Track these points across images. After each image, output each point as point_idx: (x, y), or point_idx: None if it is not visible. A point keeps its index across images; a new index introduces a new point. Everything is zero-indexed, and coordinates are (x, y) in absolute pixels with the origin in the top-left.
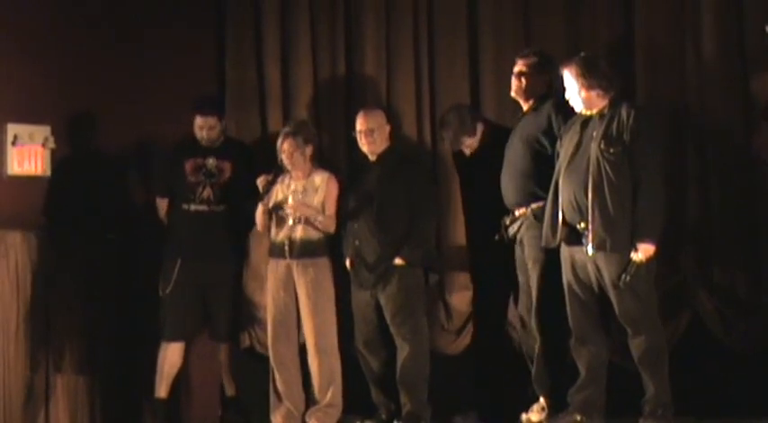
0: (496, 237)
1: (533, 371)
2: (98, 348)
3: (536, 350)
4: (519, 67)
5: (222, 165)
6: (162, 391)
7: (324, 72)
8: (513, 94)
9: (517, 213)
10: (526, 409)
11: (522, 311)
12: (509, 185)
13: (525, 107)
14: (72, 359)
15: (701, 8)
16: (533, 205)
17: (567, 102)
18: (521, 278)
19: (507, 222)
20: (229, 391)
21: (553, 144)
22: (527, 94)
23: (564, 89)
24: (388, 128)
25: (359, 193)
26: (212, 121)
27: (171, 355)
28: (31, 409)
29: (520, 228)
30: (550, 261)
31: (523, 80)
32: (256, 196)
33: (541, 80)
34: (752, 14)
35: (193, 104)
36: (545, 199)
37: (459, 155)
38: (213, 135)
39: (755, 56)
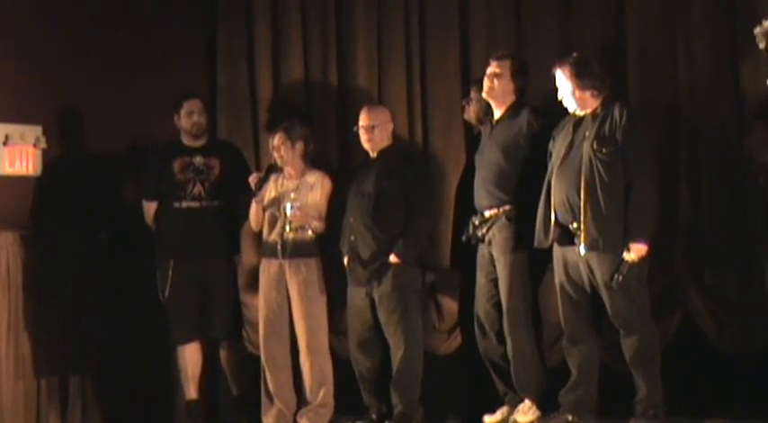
0: (464, 237)
1: (513, 375)
2: (90, 349)
3: (510, 352)
4: (493, 68)
5: (210, 162)
6: (192, 392)
7: (315, 73)
8: (485, 94)
9: (487, 214)
10: (491, 412)
11: (480, 313)
12: (482, 190)
13: (498, 112)
14: (63, 360)
15: (692, 8)
16: (506, 207)
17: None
18: (481, 279)
19: (476, 223)
20: (234, 390)
21: (532, 148)
22: (500, 96)
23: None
24: (390, 126)
25: (357, 188)
26: (199, 104)
27: (190, 356)
28: (23, 410)
29: (490, 228)
30: (525, 262)
31: (496, 82)
32: (249, 193)
33: (514, 83)
34: (743, 15)
35: (175, 101)
36: (518, 202)
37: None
38: (203, 120)
39: (747, 56)
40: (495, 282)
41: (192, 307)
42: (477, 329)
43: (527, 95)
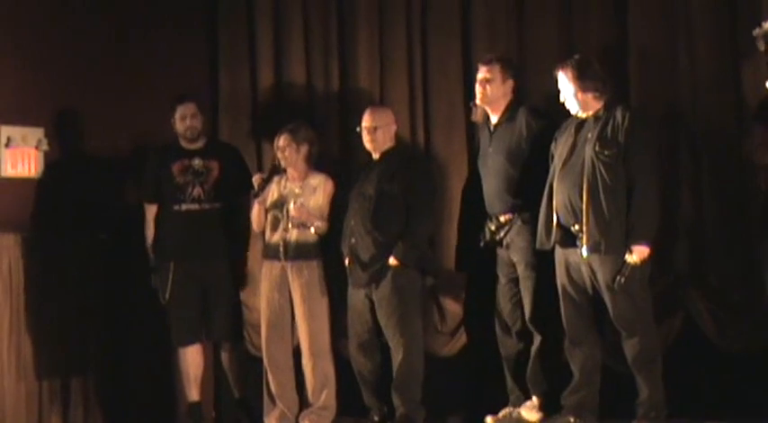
0: (481, 243)
1: (528, 370)
2: (91, 350)
3: (532, 351)
4: (483, 73)
5: (209, 164)
6: (194, 394)
7: (317, 75)
8: (478, 101)
9: (502, 219)
10: (494, 413)
11: (504, 312)
12: (494, 196)
13: (495, 117)
14: (65, 361)
15: (693, 10)
16: (520, 211)
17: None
18: (502, 279)
19: (493, 228)
20: (236, 392)
21: (533, 150)
22: (494, 100)
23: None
24: (393, 127)
25: (358, 190)
26: (192, 107)
27: (192, 358)
28: (24, 411)
29: (507, 232)
30: (542, 264)
31: (488, 87)
32: (250, 193)
33: (507, 86)
34: (743, 16)
35: (170, 104)
36: (531, 204)
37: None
38: (197, 124)
39: (747, 58)
40: (515, 281)
41: (192, 309)
42: (498, 328)
43: (526, 96)
